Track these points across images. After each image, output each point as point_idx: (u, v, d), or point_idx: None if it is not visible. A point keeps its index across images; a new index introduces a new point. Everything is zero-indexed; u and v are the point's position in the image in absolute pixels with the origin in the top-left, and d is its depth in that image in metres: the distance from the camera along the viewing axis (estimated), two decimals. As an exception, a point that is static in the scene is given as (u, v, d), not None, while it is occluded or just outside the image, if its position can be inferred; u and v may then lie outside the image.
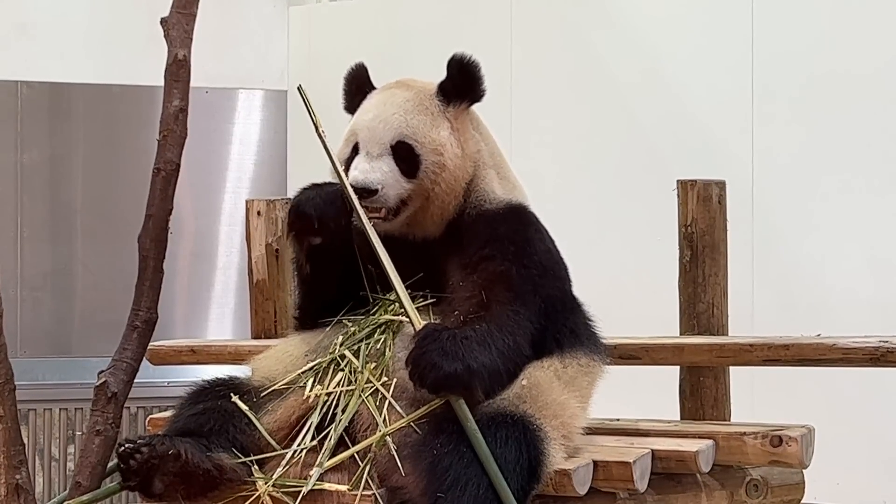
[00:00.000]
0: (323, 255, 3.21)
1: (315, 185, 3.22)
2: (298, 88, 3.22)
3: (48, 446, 6.43)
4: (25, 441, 3.45)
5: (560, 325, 3.20)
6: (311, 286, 3.31)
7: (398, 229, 3.24)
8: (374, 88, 3.37)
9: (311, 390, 3.13)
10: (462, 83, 3.26)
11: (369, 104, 3.30)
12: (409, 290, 3.13)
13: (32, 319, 6.52)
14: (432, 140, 3.20)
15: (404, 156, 3.20)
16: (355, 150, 3.24)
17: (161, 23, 3.45)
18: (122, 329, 3.44)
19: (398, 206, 3.20)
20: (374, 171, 3.17)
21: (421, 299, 3.18)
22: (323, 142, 3.17)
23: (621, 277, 5.75)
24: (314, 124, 3.17)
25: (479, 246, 3.19)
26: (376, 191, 3.17)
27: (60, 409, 6.43)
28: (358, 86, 3.39)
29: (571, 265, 3.32)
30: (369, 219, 3.13)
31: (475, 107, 3.34)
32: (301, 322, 3.36)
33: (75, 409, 6.42)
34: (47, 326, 6.62)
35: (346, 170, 3.20)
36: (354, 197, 3.12)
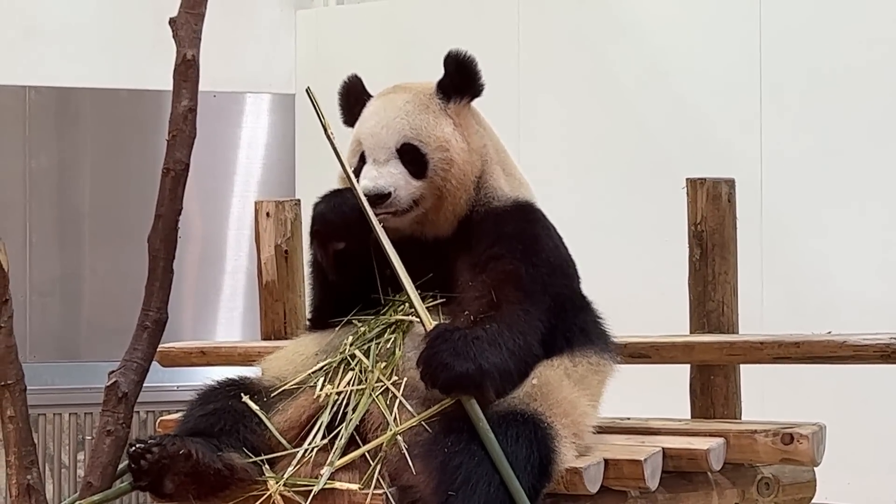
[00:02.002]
0: (345, 259, 3.22)
1: (336, 192, 3.23)
2: (307, 91, 3.23)
3: (58, 452, 6.43)
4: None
5: (570, 324, 3.20)
6: (332, 290, 3.31)
7: (409, 227, 3.24)
8: (370, 97, 3.37)
9: (321, 390, 3.13)
10: (460, 79, 3.26)
11: (370, 111, 3.30)
12: (419, 291, 3.13)
13: (41, 324, 6.53)
14: (437, 138, 3.21)
15: (411, 157, 3.21)
16: (362, 160, 3.25)
17: (169, 23, 3.45)
18: (130, 333, 3.43)
19: (410, 206, 3.21)
20: (383, 175, 3.18)
21: (430, 299, 3.17)
22: (332, 143, 3.18)
23: (631, 276, 5.75)
24: (323, 126, 3.18)
25: (487, 245, 3.19)
26: (389, 194, 3.18)
27: (70, 414, 6.44)
28: (355, 97, 3.40)
29: (581, 264, 3.32)
30: (378, 216, 3.14)
31: (479, 106, 3.34)
32: (315, 324, 3.36)
33: (84, 413, 6.42)
34: (56, 331, 6.63)
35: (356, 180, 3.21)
36: (364, 198, 3.13)
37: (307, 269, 3.44)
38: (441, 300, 3.17)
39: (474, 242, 3.21)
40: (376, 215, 3.15)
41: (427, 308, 3.10)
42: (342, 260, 3.22)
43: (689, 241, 3.93)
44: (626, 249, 5.85)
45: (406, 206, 3.20)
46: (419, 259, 3.20)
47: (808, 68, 5.58)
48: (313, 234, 3.24)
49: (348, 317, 3.25)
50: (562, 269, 3.25)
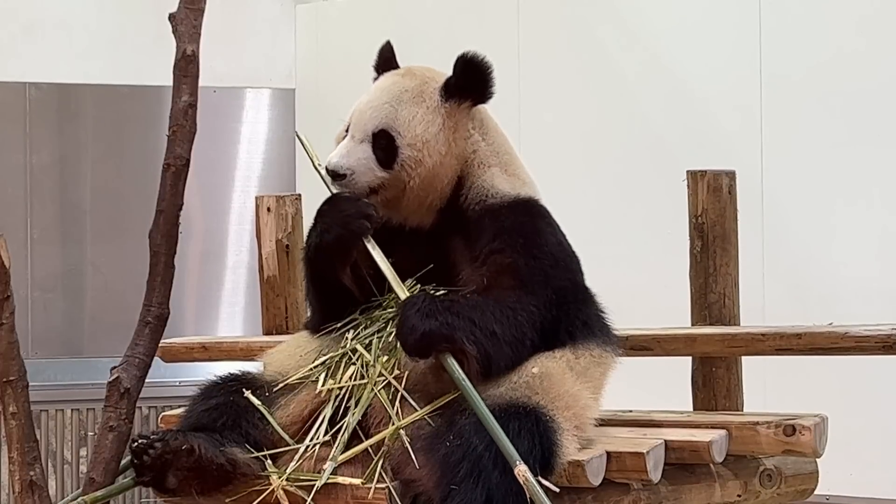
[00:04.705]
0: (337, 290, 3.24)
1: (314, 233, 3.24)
2: (296, 134, 3.33)
3: (60, 448, 6.43)
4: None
5: (572, 317, 3.19)
6: (329, 298, 3.29)
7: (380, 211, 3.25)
8: (396, 68, 3.36)
9: (323, 385, 3.14)
10: (465, 82, 3.23)
11: (372, 87, 3.31)
12: (418, 284, 3.16)
13: (43, 320, 6.54)
14: (415, 135, 3.19)
15: (383, 145, 3.20)
16: (348, 131, 3.26)
17: (169, 18, 3.45)
18: (132, 329, 3.44)
19: (368, 194, 3.21)
20: (349, 156, 3.20)
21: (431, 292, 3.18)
22: (322, 177, 3.24)
23: (632, 269, 5.75)
24: (313, 164, 3.26)
25: (487, 239, 3.18)
26: (345, 175, 3.19)
27: (72, 410, 6.45)
28: (380, 63, 3.40)
29: (582, 257, 3.32)
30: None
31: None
32: (314, 328, 3.35)
33: (87, 409, 6.43)
34: (58, 327, 6.63)
35: None
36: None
37: (303, 280, 3.43)
38: (441, 292, 3.17)
39: (474, 238, 3.20)
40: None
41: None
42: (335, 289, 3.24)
43: (690, 234, 3.92)
44: (627, 242, 5.85)
45: (361, 192, 3.19)
46: (418, 253, 3.21)
47: (809, 58, 5.57)
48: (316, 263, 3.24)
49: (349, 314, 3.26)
50: (564, 263, 3.24)
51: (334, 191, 3.22)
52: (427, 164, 3.19)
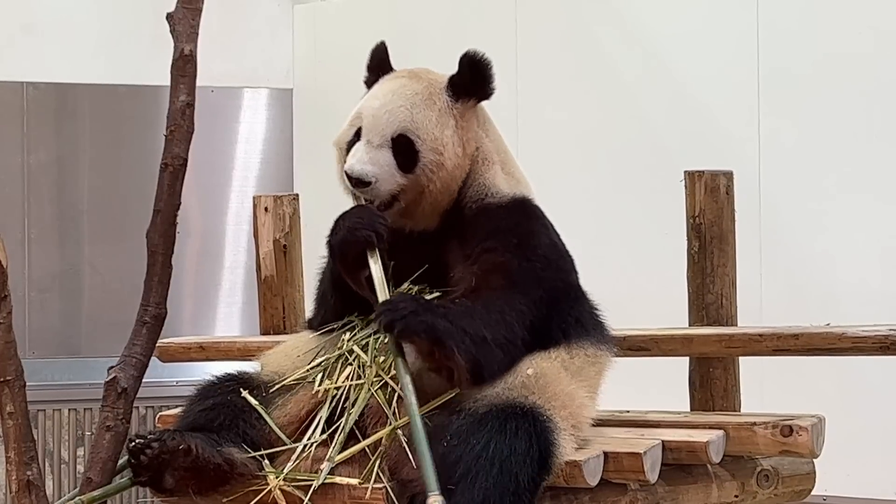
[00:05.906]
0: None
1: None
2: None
3: (57, 448, 6.43)
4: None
5: (565, 315, 3.18)
6: (346, 299, 3.29)
7: (393, 221, 3.23)
8: (391, 70, 3.35)
9: (320, 385, 3.14)
10: (472, 80, 3.24)
11: (379, 90, 3.28)
12: (415, 287, 3.16)
13: (41, 320, 6.53)
14: (434, 138, 3.18)
15: (403, 150, 3.18)
16: (357, 136, 3.23)
17: (167, 18, 3.45)
18: (130, 329, 3.44)
19: (390, 200, 3.20)
20: (372, 162, 3.16)
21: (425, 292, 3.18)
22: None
23: (630, 270, 5.75)
24: None
25: (481, 239, 3.18)
26: (369, 183, 3.16)
27: (69, 410, 6.44)
28: (376, 64, 3.38)
29: (579, 258, 3.32)
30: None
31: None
32: (318, 326, 3.35)
33: (84, 409, 6.42)
34: (56, 327, 6.62)
35: (347, 151, 3.21)
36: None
37: (317, 276, 3.42)
38: (436, 294, 3.17)
39: (468, 237, 3.20)
40: (356, 197, 3.19)
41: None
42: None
43: (688, 234, 3.92)
44: (625, 242, 5.85)
45: (384, 199, 3.18)
46: (412, 252, 3.20)
47: (807, 59, 5.57)
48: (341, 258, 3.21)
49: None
50: (557, 263, 3.23)
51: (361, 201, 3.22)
52: (447, 167, 3.18)
